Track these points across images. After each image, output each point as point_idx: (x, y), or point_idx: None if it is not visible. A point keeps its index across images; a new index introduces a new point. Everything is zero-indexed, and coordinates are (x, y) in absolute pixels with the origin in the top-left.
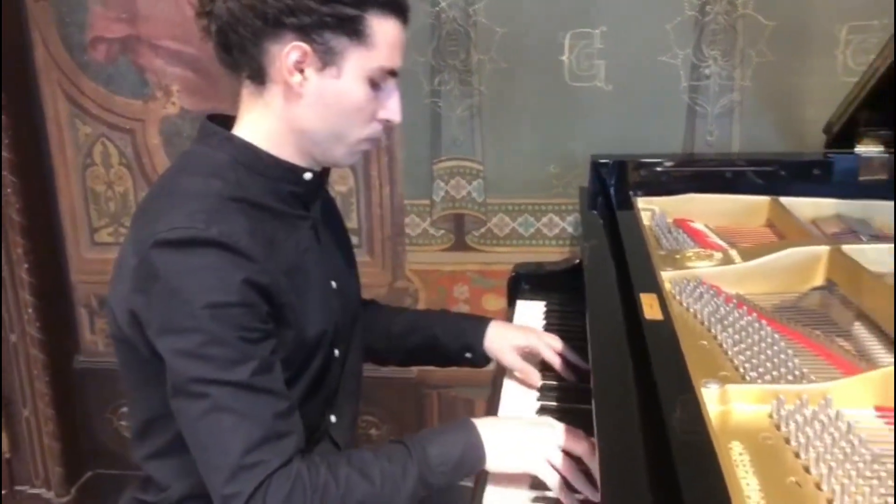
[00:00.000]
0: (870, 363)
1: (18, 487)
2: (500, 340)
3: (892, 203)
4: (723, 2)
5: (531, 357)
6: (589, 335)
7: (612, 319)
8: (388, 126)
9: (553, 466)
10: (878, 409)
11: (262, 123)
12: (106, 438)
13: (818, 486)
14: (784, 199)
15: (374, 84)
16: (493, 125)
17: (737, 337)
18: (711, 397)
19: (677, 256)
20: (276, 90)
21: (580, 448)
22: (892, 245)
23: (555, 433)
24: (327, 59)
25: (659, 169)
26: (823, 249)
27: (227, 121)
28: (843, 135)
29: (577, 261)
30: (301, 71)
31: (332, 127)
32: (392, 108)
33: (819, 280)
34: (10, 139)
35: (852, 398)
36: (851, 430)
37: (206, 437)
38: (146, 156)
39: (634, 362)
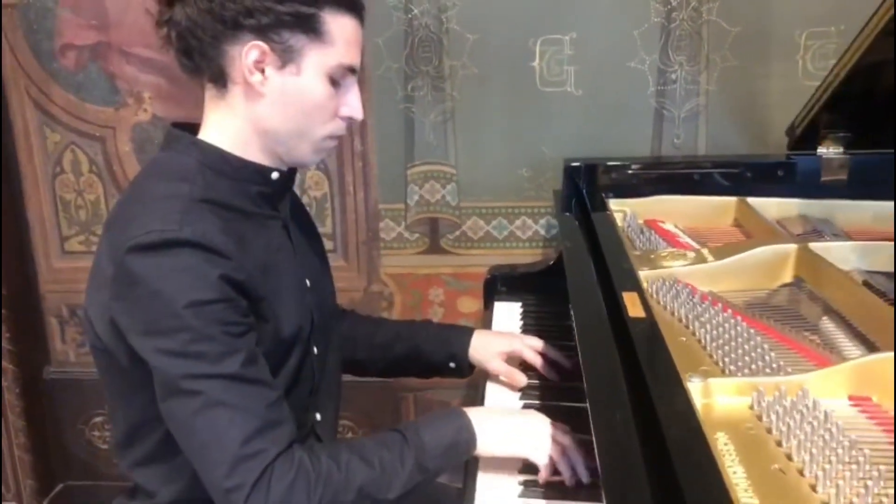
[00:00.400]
0: (839, 355)
1: None
2: (484, 349)
3: (851, 203)
4: (688, 9)
5: (514, 360)
6: (577, 335)
7: (597, 319)
8: (350, 123)
9: (541, 450)
10: (851, 398)
11: (226, 125)
12: (78, 450)
13: (801, 473)
14: (750, 200)
15: (334, 81)
16: (465, 130)
17: (714, 333)
18: (695, 391)
19: (652, 256)
20: (238, 91)
21: (564, 438)
22: (858, 243)
23: (542, 421)
24: (286, 57)
25: (630, 171)
26: (792, 247)
27: (193, 128)
28: (805, 137)
29: (552, 262)
30: (262, 70)
31: (296, 125)
32: (353, 105)
33: (788, 277)
34: None
35: (827, 388)
36: (829, 419)
37: (202, 434)
38: (117, 163)
39: (622, 360)
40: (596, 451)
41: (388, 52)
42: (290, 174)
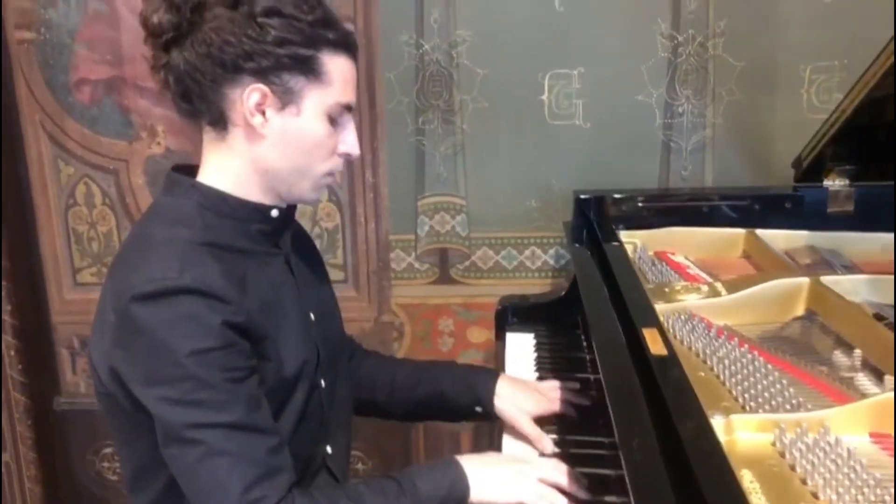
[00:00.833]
0: (855, 390)
1: None
2: (513, 406)
3: (858, 234)
4: (694, 44)
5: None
6: (602, 376)
7: (620, 358)
8: (347, 159)
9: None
10: (872, 435)
11: (226, 167)
12: (87, 480)
13: None
14: (759, 231)
15: (332, 120)
16: (475, 162)
17: (732, 368)
18: (718, 428)
19: (666, 290)
20: (238, 133)
21: (560, 479)
22: (869, 276)
23: (534, 468)
24: (286, 98)
25: (639, 203)
26: (804, 281)
27: (192, 170)
28: (811, 169)
29: (563, 292)
30: (262, 112)
31: (296, 164)
32: (350, 142)
33: (800, 310)
34: None
35: (848, 425)
36: (852, 456)
37: (204, 483)
38: (130, 196)
39: (646, 397)
40: (630, 489)
41: (400, 87)
42: (289, 210)
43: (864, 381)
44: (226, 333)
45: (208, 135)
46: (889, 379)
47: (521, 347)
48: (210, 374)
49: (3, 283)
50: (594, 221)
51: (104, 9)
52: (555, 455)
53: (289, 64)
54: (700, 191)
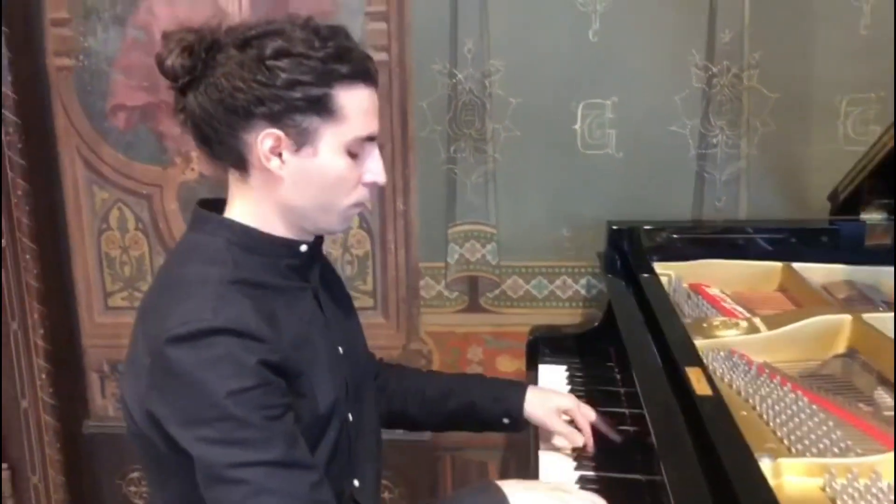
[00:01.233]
0: None
1: None
2: (542, 406)
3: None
4: (729, 75)
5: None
6: (647, 414)
7: (663, 396)
8: (374, 188)
9: None
10: None
11: (251, 205)
12: None
13: None
14: (795, 265)
15: (353, 153)
16: (507, 191)
17: (777, 408)
18: (766, 471)
19: (705, 325)
20: (259, 175)
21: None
22: None
23: (574, 496)
24: (301, 140)
25: (673, 235)
26: (846, 318)
27: (219, 203)
28: (847, 202)
29: (596, 324)
30: (279, 155)
31: (319, 201)
32: (375, 171)
33: (841, 347)
34: (30, 206)
35: None
36: None
37: None
38: (163, 221)
39: (694, 439)
40: None
41: (433, 115)
42: (317, 243)
43: None
44: (262, 372)
45: (232, 175)
46: None
47: (553, 381)
48: (248, 414)
49: (36, 305)
50: (628, 252)
51: (142, 37)
52: (590, 487)
53: (301, 105)
54: (735, 223)
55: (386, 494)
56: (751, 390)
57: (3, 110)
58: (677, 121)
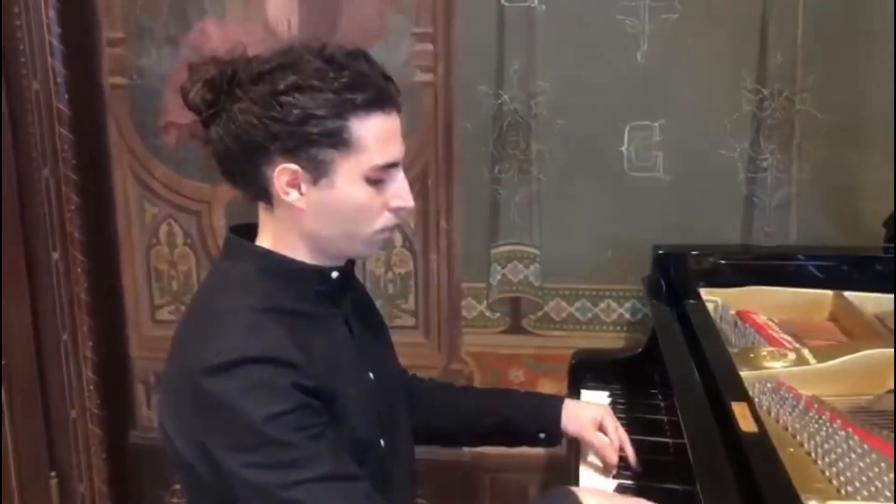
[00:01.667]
0: None
1: None
2: (577, 420)
3: None
4: (780, 98)
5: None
6: (690, 452)
7: (707, 431)
8: (402, 212)
9: None
10: None
11: (279, 234)
12: None
13: None
14: (847, 294)
15: (374, 180)
16: (551, 212)
17: (825, 446)
18: None
19: (752, 355)
20: (282, 206)
21: None
22: None
23: None
24: (318, 172)
25: (721, 260)
26: None
27: (252, 228)
28: None
29: (640, 349)
30: (297, 187)
31: (343, 229)
32: (401, 195)
33: (892, 383)
34: (82, 220)
35: None
36: None
37: None
38: (211, 237)
39: (738, 478)
40: None
41: (477, 136)
42: (349, 268)
43: None
44: (297, 395)
45: (260, 204)
46: None
47: None
48: (290, 436)
49: (86, 318)
50: (673, 277)
51: (194, 56)
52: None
53: (316, 139)
54: (785, 249)
55: None
56: (798, 426)
57: (58, 127)
58: (726, 144)
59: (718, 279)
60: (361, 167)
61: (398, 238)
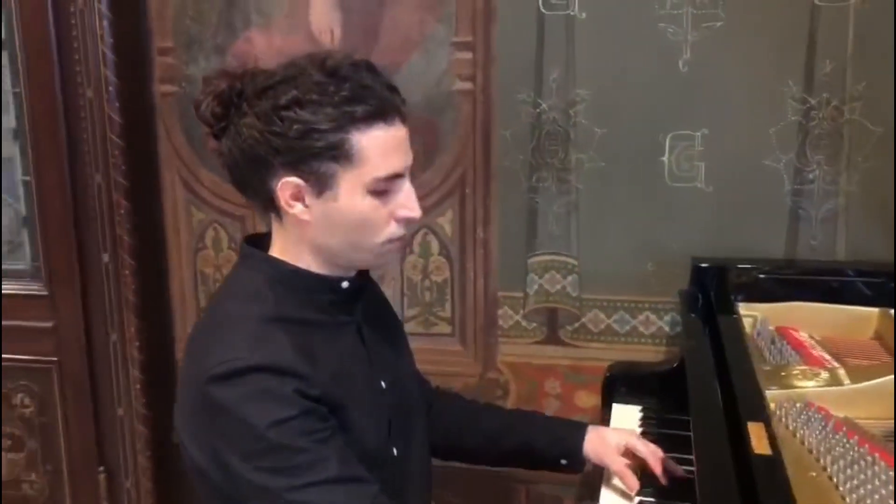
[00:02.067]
0: None
1: None
2: (600, 447)
3: None
4: (828, 108)
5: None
6: (696, 470)
7: (718, 449)
8: (409, 222)
9: None
10: None
11: (289, 244)
12: None
13: None
14: (894, 312)
15: (378, 192)
16: (589, 222)
17: (849, 472)
18: None
19: (783, 374)
20: (289, 217)
21: None
22: None
23: None
24: (321, 185)
25: (762, 274)
26: None
27: (266, 238)
28: None
29: (675, 364)
30: (301, 200)
31: (349, 241)
32: (408, 206)
33: None
34: (131, 224)
35: None
36: None
37: None
38: None
39: (743, 501)
40: None
41: (515, 144)
42: (361, 278)
43: None
44: (300, 401)
45: (271, 215)
46: None
47: (625, 420)
48: (294, 440)
49: (134, 319)
50: (711, 291)
51: (238, 64)
52: None
53: (317, 152)
54: (830, 264)
55: None
56: (823, 449)
57: (109, 133)
58: (771, 154)
59: (759, 293)
60: (364, 179)
61: (435, 245)
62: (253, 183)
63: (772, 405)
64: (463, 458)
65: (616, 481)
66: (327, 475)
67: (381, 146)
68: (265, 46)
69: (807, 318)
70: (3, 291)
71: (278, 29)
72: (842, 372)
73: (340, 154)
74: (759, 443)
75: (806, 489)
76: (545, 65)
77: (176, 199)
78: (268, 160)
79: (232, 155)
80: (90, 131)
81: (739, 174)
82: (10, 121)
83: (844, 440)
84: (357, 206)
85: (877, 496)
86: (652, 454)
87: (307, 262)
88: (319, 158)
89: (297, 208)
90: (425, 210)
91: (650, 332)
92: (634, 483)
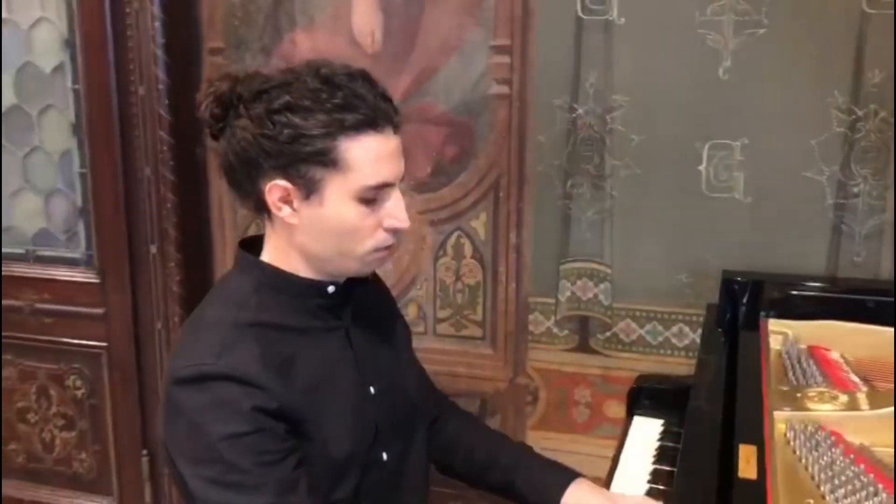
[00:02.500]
0: None
1: None
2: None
3: None
4: (875, 119)
5: None
6: (675, 487)
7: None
8: (397, 232)
9: None
10: None
11: (279, 248)
12: None
13: None
14: None
15: (366, 200)
16: (623, 230)
17: (848, 501)
18: None
19: (798, 395)
20: (278, 220)
21: None
22: None
23: None
24: (308, 190)
25: (796, 291)
26: None
27: (259, 241)
28: None
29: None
30: (289, 203)
31: (335, 247)
32: (395, 215)
33: None
34: (178, 218)
35: None
36: None
37: None
38: None
39: None
40: None
41: (550, 149)
42: (351, 283)
43: None
44: (257, 418)
45: (263, 217)
46: None
47: (645, 433)
48: (241, 459)
49: (177, 309)
50: (741, 306)
51: (284, 66)
52: None
53: (305, 157)
54: (872, 283)
55: None
56: (824, 476)
57: (159, 130)
58: (813, 166)
59: (793, 310)
60: (350, 187)
61: (468, 248)
62: (244, 184)
63: (782, 426)
64: (453, 478)
65: None
66: (261, 501)
67: (370, 155)
68: (309, 48)
69: (841, 339)
70: (61, 278)
71: (321, 31)
72: (861, 396)
73: (329, 160)
74: (746, 466)
75: None
76: (582, 70)
77: (221, 194)
78: (258, 162)
79: (227, 156)
80: (141, 128)
81: (779, 186)
82: (70, 116)
83: (851, 467)
84: (344, 213)
85: None
86: None
87: (295, 266)
88: (308, 163)
89: (285, 211)
90: (459, 212)
91: (683, 345)
92: None
